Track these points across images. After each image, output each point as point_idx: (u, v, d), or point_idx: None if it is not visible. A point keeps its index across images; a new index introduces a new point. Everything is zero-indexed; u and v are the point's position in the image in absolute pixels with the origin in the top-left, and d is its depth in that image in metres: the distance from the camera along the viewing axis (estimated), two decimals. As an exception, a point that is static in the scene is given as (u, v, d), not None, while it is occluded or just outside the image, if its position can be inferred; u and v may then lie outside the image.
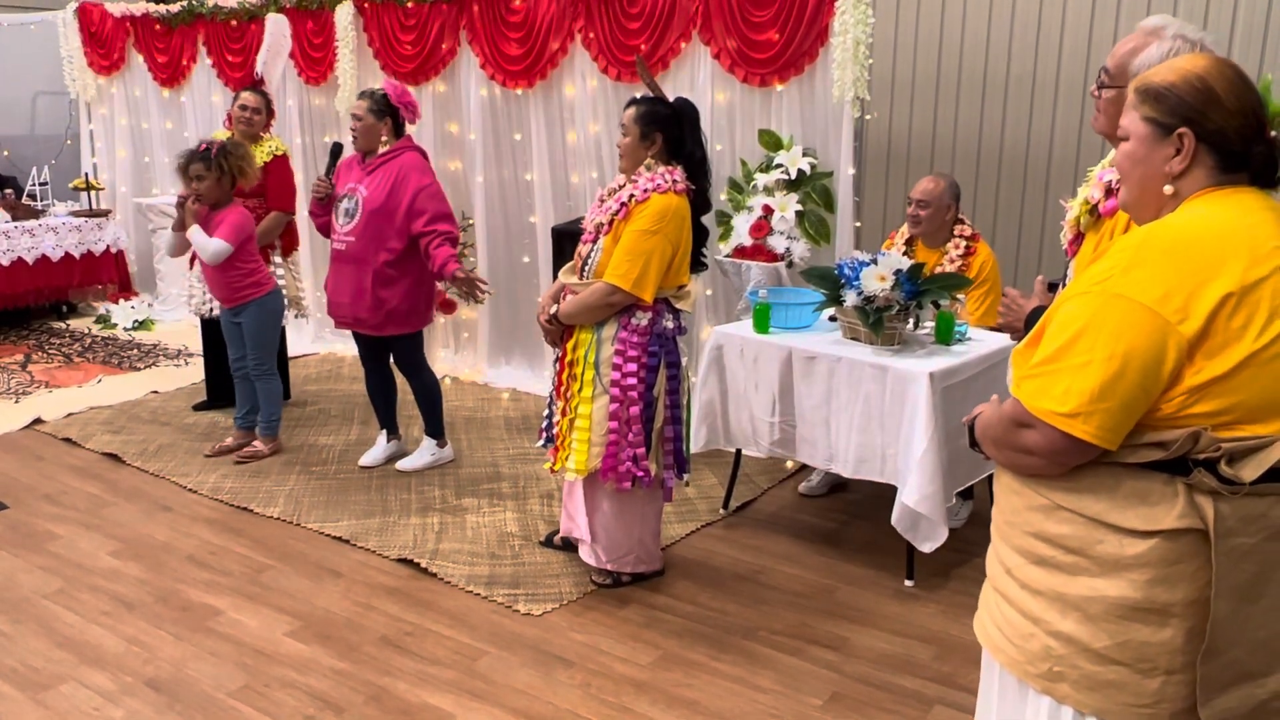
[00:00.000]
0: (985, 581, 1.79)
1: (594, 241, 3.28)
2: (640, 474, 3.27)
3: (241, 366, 4.72)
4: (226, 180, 4.41)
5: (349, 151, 4.41)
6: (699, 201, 3.33)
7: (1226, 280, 1.45)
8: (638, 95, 3.35)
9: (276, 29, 6.04)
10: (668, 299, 3.30)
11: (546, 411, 3.55)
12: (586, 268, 3.29)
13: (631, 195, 3.18)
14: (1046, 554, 1.60)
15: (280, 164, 5.11)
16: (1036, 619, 1.61)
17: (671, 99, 3.35)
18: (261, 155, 5.02)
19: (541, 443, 3.57)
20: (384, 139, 4.27)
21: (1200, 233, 1.50)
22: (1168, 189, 1.58)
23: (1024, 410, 1.56)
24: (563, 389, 3.39)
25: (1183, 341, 1.45)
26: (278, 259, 5.20)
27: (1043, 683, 1.60)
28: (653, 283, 3.18)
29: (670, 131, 3.25)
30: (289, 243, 5.36)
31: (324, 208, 4.37)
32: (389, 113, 4.25)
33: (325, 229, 4.42)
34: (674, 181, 3.20)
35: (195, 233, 4.41)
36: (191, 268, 5.14)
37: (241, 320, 4.60)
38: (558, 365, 3.43)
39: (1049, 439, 1.53)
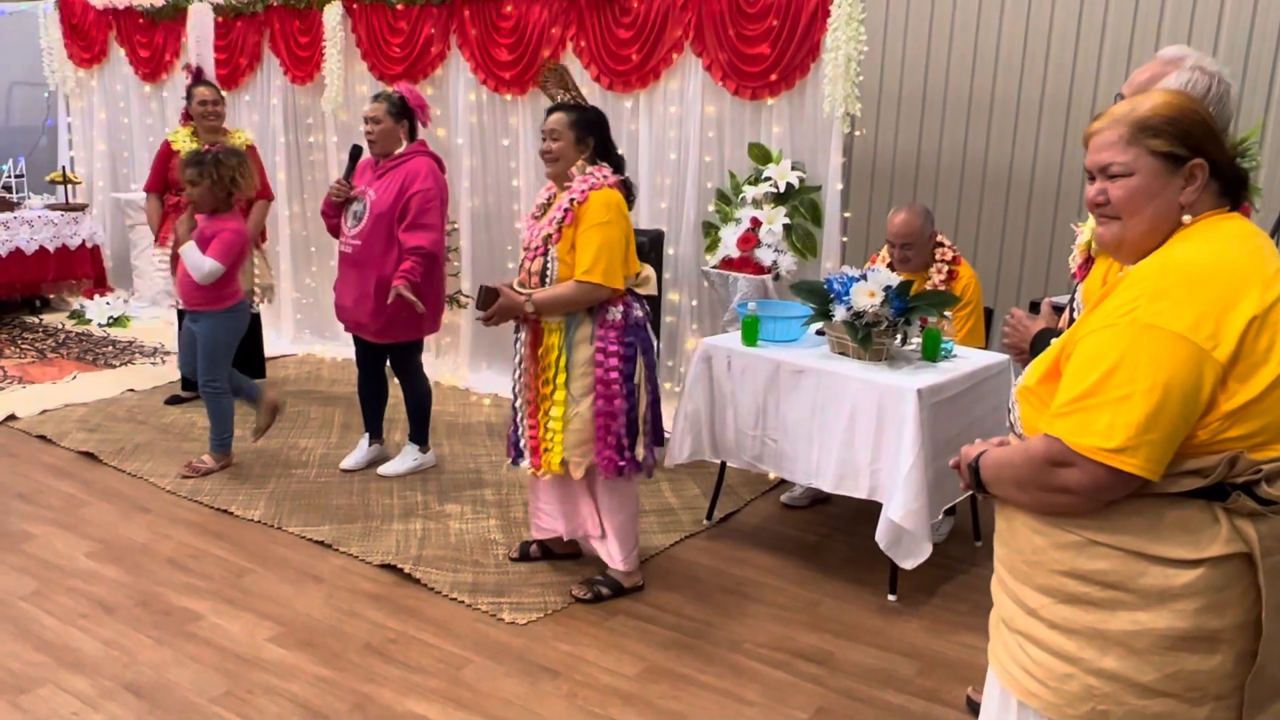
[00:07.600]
0: (997, 625, 1.74)
1: (544, 254, 3.31)
2: (624, 463, 3.34)
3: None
4: (220, 190, 4.26)
5: (367, 154, 4.36)
6: (627, 198, 3.40)
7: (1249, 305, 1.48)
8: (554, 103, 3.45)
9: (200, 19, 5.75)
10: (630, 288, 3.37)
11: (514, 427, 3.55)
12: (548, 278, 3.31)
13: (572, 199, 3.25)
14: (1079, 591, 1.57)
15: (252, 154, 5.17)
16: (1074, 659, 1.58)
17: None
18: None
19: (511, 460, 3.57)
20: (400, 141, 4.26)
21: (1216, 260, 1.53)
22: (1186, 218, 1.61)
23: (1063, 448, 1.53)
24: (533, 395, 3.39)
25: (1217, 367, 1.47)
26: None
27: None
28: (619, 272, 3.27)
29: (599, 135, 3.36)
30: (261, 233, 5.43)
31: (336, 209, 4.33)
32: (406, 115, 4.25)
33: (335, 231, 4.37)
34: (604, 177, 3.31)
35: (189, 250, 4.23)
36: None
37: (197, 328, 4.40)
38: (522, 375, 3.44)
39: (1093, 475, 1.51)
